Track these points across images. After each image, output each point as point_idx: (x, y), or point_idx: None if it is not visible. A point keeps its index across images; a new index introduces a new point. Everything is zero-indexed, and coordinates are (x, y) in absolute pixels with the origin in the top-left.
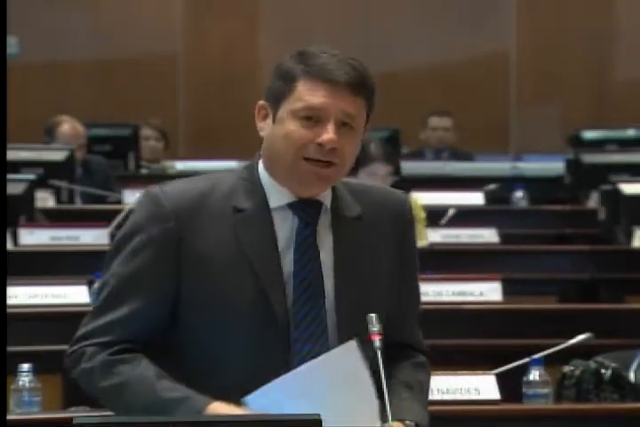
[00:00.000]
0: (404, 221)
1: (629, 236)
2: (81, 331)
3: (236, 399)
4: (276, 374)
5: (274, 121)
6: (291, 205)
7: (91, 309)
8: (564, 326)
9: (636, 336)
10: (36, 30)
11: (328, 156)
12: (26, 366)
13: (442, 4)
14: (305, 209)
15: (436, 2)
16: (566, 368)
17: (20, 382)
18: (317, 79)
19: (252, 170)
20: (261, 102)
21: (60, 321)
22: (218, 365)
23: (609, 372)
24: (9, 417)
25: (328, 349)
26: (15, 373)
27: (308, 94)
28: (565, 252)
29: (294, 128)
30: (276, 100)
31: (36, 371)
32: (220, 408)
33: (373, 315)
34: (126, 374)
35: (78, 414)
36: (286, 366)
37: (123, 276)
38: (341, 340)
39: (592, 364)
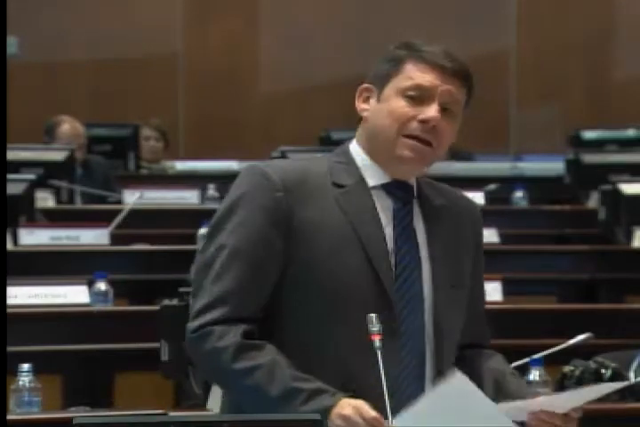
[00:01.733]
0: (477, 217)
1: (629, 236)
2: (198, 304)
3: (343, 372)
4: (386, 344)
5: (378, 100)
6: (386, 186)
7: (195, 283)
8: (564, 326)
9: (635, 336)
10: (36, 30)
11: (428, 134)
12: (26, 366)
13: (442, 3)
14: (401, 189)
15: (436, 2)
16: (566, 368)
17: (20, 382)
18: (427, 63)
19: (346, 153)
20: (365, 85)
21: (60, 321)
22: (321, 336)
23: (609, 372)
24: (9, 417)
25: (423, 324)
26: (15, 373)
27: (418, 74)
28: (565, 252)
29: (400, 105)
30: (382, 79)
31: (36, 371)
32: (347, 407)
33: (373, 315)
34: (260, 359)
35: (78, 414)
36: (391, 331)
37: (234, 245)
38: (437, 318)
39: (592, 364)
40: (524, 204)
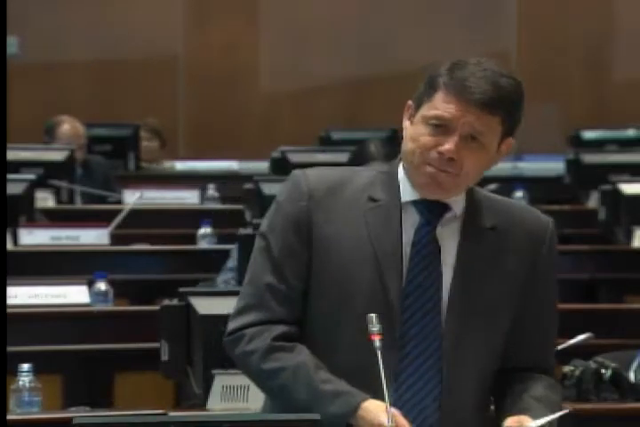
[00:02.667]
0: (541, 241)
1: (629, 236)
2: (236, 307)
3: (347, 379)
4: (383, 356)
5: (411, 122)
6: (416, 203)
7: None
8: (564, 326)
9: (635, 336)
10: (36, 30)
11: (445, 165)
12: (26, 366)
13: (442, 4)
14: (429, 208)
15: (436, 2)
16: (566, 368)
17: (20, 382)
18: (453, 93)
19: (395, 164)
20: (409, 102)
21: (60, 321)
22: (328, 345)
23: (609, 372)
24: (9, 417)
25: (438, 341)
26: (15, 373)
27: (442, 105)
28: (565, 252)
29: (422, 133)
30: (418, 103)
31: (36, 371)
32: (373, 409)
33: (373, 315)
34: (287, 361)
35: (78, 414)
36: (392, 346)
37: (266, 250)
38: (451, 333)
39: (592, 364)
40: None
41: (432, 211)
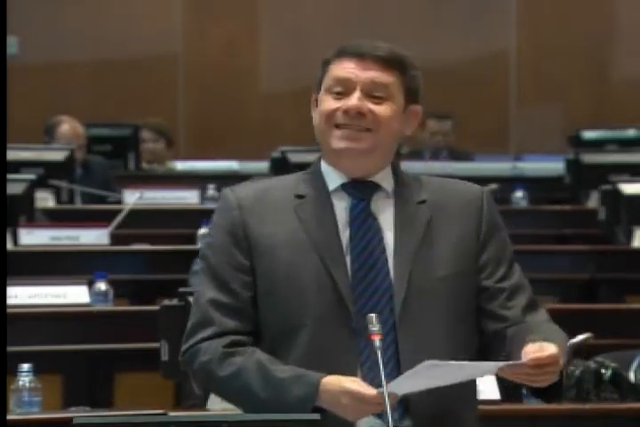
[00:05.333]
0: (479, 208)
1: (629, 236)
2: (187, 327)
3: None
4: (341, 347)
5: (316, 104)
6: (344, 186)
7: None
8: (564, 326)
9: (636, 336)
10: (36, 30)
11: (356, 120)
12: (26, 366)
13: (442, 3)
14: (357, 187)
15: (436, 2)
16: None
17: (20, 382)
18: (346, 55)
19: (316, 164)
20: (312, 95)
21: (60, 321)
22: (285, 341)
23: (609, 372)
24: (9, 417)
25: (390, 319)
26: (15, 373)
27: (338, 70)
28: (565, 252)
29: (328, 102)
30: (317, 86)
31: (36, 371)
32: (334, 381)
33: (373, 315)
34: (241, 363)
35: (78, 414)
36: (351, 338)
37: (209, 267)
38: (406, 308)
39: (592, 364)
40: (523, 204)
41: (362, 190)
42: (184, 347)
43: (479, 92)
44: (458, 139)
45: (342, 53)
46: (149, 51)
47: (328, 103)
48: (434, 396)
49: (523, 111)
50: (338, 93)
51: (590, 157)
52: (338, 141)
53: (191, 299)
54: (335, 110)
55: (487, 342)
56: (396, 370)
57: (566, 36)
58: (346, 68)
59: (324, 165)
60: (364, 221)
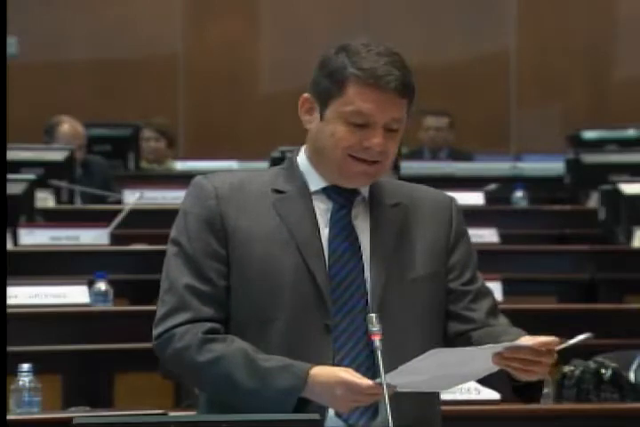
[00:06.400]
0: (448, 218)
1: (629, 236)
2: (158, 314)
3: None
4: (314, 345)
5: (321, 118)
6: (326, 190)
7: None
8: (564, 326)
9: (636, 336)
10: (36, 30)
11: (376, 157)
12: (26, 366)
13: (441, 3)
14: (341, 194)
15: (436, 2)
16: (566, 368)
17: (20, 382)
18: (368, 85)
19: (292, 160)
20: (306, 95)
21: (60, 321)
22: (255, 335)
23: (609, 372)
24: (9, 417)
25: (364, 323)
26: (15, 373)
27: (359, 99)
28: (565, 252)
29: (342, 130)
30: (325, 98)
31: (35, 371)
32: (322, 371)
33: (373, 315)
34: (222, 349)
35: (78, 414)
36: (326, 336)
37: (183, 254)
38: (382, 310)
39: (592, 364)
40: (524, 204)
41: (344, 196)
42: (157, 331)
43: (479, 92)
44: (458, 139)
45: (362, 80)
46: (149, 51)
47: (345, 133)
48: (404, 398)
49: (523, 111)
50: (356, 124)
51: (590, 157)
52: (353, 173)
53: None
54: (354, 144)
55: (449, 344)
56: (371, 370)
57: (566, 36)
58: (367, 101)
59: (304, 164)
60: (344, 227)
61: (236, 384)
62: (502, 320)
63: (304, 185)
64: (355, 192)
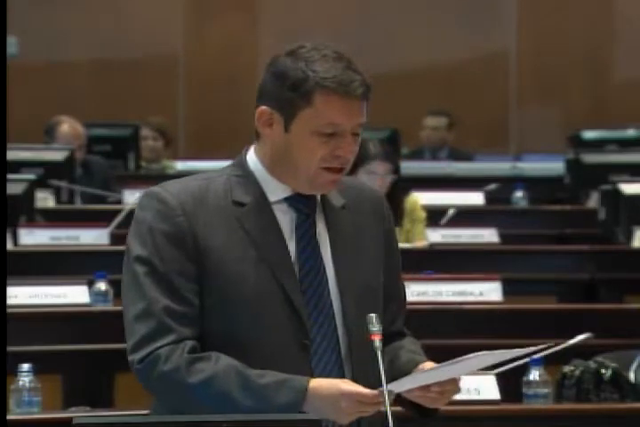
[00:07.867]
0: (384, 216)
1: (629, 236)
2: (136, 337)
3: None
4: (295, 357)
5: (286, 130)
6: (288, 199)
7: (127, 316)
8: (564, 326)
9: (636, 336)
10: (36, 30)
11: (344, 164)
12: (26, 366)
13: (442, 3)
14: (303, 202)
15: (436, 2)
16: (566, 368)
17: (20, 382)
18: (336, 94)
19: (243, 166)
20: (264, 108)
21: (60, 321)
22: (240, 353)
23: (609, 372)
24: (9, 417)
25: (337, 333)
26: (15, 373)
27: (328, 109)
28: (565, 252)
29: (315, 142)
30: (288, 109)
31: (35, 371)
32: (321, 384)
33: (373, 315)
34: (212, 369)
35: (78, 414)
36: (304, 347)
37: (152, 274)
38: (347, 321)
39: (592, 364)
40: (523, 204)
41: (306, 204)
42: (139, 355)
43: (479, 92)
44: (458, 139)
45: (327, 89)
46: (149, 51)
47: (319, 145)
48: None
49: (523, 111)
50: (327, 134)
51: (590, 157)
52: (324, 184)
53: None
54: (327, 154)
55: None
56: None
57: (566, 36)
58: (336, 111)
59: (260, 173)
60: (311, 238)
61: (234, 404)
62: (397, 325)
63: (262, 195)
64: (312, 197)
